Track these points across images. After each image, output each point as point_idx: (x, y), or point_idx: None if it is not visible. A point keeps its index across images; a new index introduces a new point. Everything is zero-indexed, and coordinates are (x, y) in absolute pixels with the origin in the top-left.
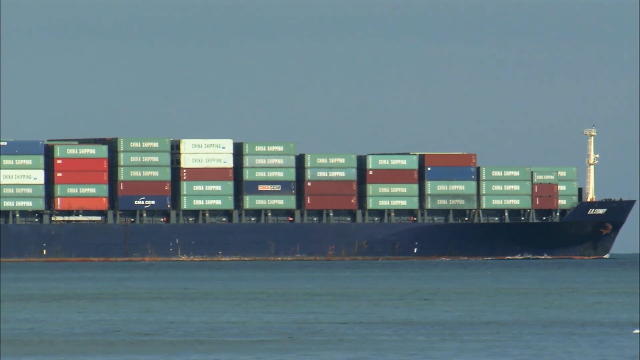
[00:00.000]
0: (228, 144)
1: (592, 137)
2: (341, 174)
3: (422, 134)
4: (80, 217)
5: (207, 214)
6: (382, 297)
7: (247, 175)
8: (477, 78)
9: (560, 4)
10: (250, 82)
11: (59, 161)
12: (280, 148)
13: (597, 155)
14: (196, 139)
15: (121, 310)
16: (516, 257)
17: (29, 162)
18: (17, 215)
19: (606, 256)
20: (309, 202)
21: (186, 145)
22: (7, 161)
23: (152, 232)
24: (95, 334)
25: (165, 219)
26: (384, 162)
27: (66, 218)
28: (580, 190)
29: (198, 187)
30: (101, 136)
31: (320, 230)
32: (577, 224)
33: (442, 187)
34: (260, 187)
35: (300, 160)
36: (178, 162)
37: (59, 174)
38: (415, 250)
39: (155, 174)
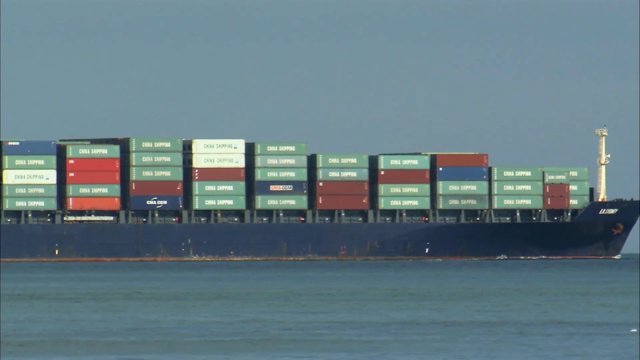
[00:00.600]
0: (240, 144)
1: (604, 137)
2: (353, 174)
3: (434, 134)
4: (92, 217)
5: (219, 214)
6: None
7: (259, 175)
8: (489, 78)
9: (572, 3)
10: (262, 83)
11: (71, 161)
12: (292, 148)
13: (609, 155)
14: (208, 139)
15: (126, 310)
16: (528, 257)
17: (41, 162)
18: (30, 215)
19: (617, 256)
20: (320, 202)
21: (198, 146)
22: (19, 161)
23: (164, 232)
24: (97, 334)
25: (177, 219)
26: (395, 162)
27: (78, 218)
28: (591, 190)
29: (210, 187)
30: (113, 136)
31: (332, 231)
32: (589, 224)
33: (453, 187)
34: (272, 187)
35: (312, 161)
36: (190, 162)
37: (71, 174)
38: (427, 250)
39: (167, 174)
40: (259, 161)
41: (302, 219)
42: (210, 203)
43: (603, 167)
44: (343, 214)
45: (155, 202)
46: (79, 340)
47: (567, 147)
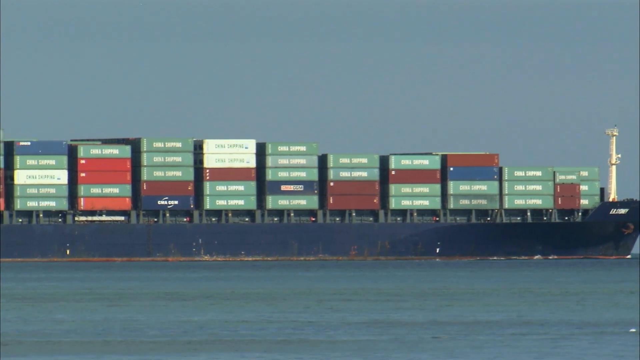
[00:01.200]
0: (251, 144)
1: (614, 137)
2: (364, 174)
3: (445, 134)
4: (104, 217)
5: (230, 214)
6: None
7: (269, 175)
8: (500, 78)
9: (584, 3)
10: (274, 83)
11: (83, 161)
12: (303, 148)
13: (619, 155)
14: (219, 139)
15: (135, 310)
16: (537, 257)
17: (52, 162)
18: (41, 215)
19: (628, 256)
20: (331, 202)
21: (209, 146)
22: (30, 161)
23: (175, 232)
24: (100, 334)
25: (188, 219)
26: (406, 162)
27: (89, 218)
28: (602, 190)
29: (221, 187)
30: (124, 136)
31: (343, 231)
32: (599, 224)
33: (464, 187)
34: (283, 187)
35: (322, 161)
36: (201, 162)
37: (83, 174)
38: (438, 250)
39: (178, 174)
40: (270, 161)
41: (313, 219)
42: (221, 203)
43: (614, 167)
44: (354, 214)
45: (166, 202)
46: (80, 340)
47: (578, 147)
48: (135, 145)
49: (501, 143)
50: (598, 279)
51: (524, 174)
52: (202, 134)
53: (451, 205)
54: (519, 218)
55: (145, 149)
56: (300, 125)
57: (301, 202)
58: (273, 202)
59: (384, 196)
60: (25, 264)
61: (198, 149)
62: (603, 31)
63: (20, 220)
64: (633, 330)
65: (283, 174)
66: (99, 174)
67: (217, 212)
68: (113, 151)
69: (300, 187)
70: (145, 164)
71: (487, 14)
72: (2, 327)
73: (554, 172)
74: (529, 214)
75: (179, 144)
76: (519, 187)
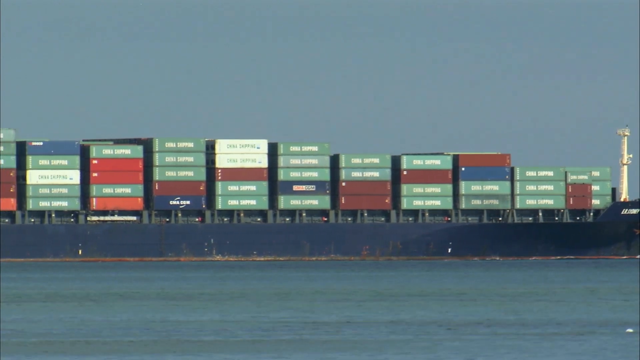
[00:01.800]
0: (263, 144)
1: (626, 137)
2: (375, 174)
3: (456, 134)
4: (116, 217)
5: (242, 214)
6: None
7: (281, 175)
8: (512, 78)
9: (596, 3)
10: (285, 83)
11: (95, 161)
12: (314, 148)
13: (631, 155)
14: (231, 139)
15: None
16: (550, 257)
17: (64, 162)
18: (53, 215)
19: (639, 256)
20: (343, 202)
21: (221, 146)
22: (43, 161)
23: (187, 232)
24: (102, 335)
25: (200, 219)
26: (418, 162)
27: (102, 218)
28: (613, 190)
29: (233, 187)
30: (136, 136)
31: (355, 231)
32: (611, 224)
33: (476, 187)
34: (295, 187)
35: (334, 161)
36: (213, 162)
37: (95, 174)
38: (449, 250)
39: (190, 174)
40: (281, 161)
41: (325, 219)
42: (233, 203)
43: (625, 167)
44: (365, 214)
45: (178, 202)
46: (82, 340)
47: (590, 147)
48: (147, 146)
49: (513, 143)
50: (607, 278)
51: (535, 174)
52: (214, 134)
53: (463, 205)
54: (530, 218)
55: (157, 149)
56: (312, 125)
57: (313, 202)
58: (285, 202)
59: (396, 196)
60: (37, 263)
61: (210, 149)
62: (615, 31)
63: (32, 220)
64: (630, 330)
65: (295, 174)
66: (111, 174)
67: (229, 212)
68: (125, 151)
69: (312, 187)
70: (157, 164)
71: (500, 14)
72: (10, 327)
73: (566, 172)
74: (540, 214)
75: (191, 144)
76: (531, 187)
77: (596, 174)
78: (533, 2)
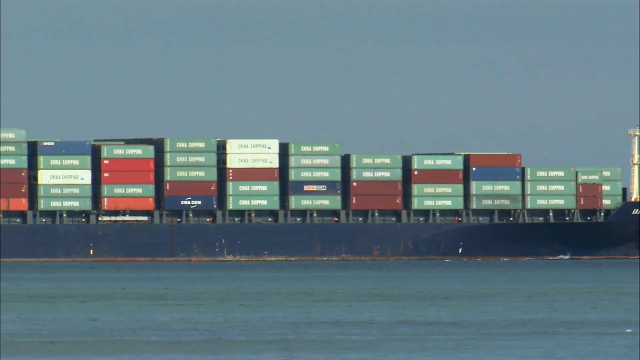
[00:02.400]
0: (274, 144)
1: (636, 137)
2: (386, 174)
3: (467, 134)
4: (127, 217)
5: (253, 214)
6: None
7: (292, 175)
8: (522, 78)
9: (606, 3)
10: (296, 83)
11: (106, 161)
12: (325, 148)
13: None
14: (242, 139)
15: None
16: (560, 257)
17: (76, 162)
18: (64, 215)
19: None
20: (354, 202)
21: (232, 146)
22: (54, 161)
23: (199, 232)
24: (104, 334)
25: (211, 219)
26: (429, 162)
27: (113, 218)
28: (624, 190)
29: (244, 188)
30: (147, 136)
31: (366, 231)
32: (621, 224)
33: (487, 187)
34: (306, 188)
35: (345, 161)
36: (224, 162)
37: (106, 174)
38: (460, 250)
39: (201, 174)
40: (292, 161)
41: (336, 219)
42: (244, 203)
43: (636, 167)
44: (376, 214)
45: (189, 202)
46: (84, 340)
47: (600, 147)
48: (158, 146)
49: (524, 143)
50: (615, 278)
51: (546, 174)
52: (225, 134)
53: (474, 205)
54: (541, 218)
55: (168, 149)
56: (323, 125)
57: (324, 202)
58: (296, 202)
59: (407, 196)
60: (48, 263)
61: (221, 149)
62: (626, 30)
63: (43, 220)
64: (629, 330)
65: (306, 174)
66: (122, 174)
67: (240, 212)
68: (136, 151)
69: (323, 187)
70: (168, 164)
71: (509, 15)
72: (15, 327)
73: (577, 172)
74: (551, 214)
75: (202, 144)
76: (542, 187)
77: (607, 174)
78: (545, 1)
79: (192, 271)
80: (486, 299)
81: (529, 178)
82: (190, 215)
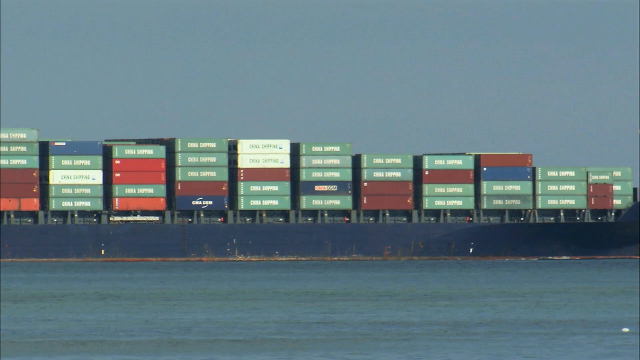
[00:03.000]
0: (285, 145)
1: None
2: (397, 174)
3: (478, 134)
4: (138, 218)
5: (264, 214)
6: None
7: (303, 175)
8: (533, 78)
9: (615, 3)
10: (307, 83)
11: (117, 161)
12: (336, 148)
13: None
14: (253, 140)
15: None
16: (571, 257)
17: (87, 162)
18: (76, 215)
19: None
20: (365, 202)
21: (243, 146)
22: (65, 161)
23: (210, 232)
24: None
25: (222, 219)
26: (439, 162)
27: (124, 218)
28: (635, 190)
29: (255, 188)
30: (159, 137)
31: (376, 231)
32: (632, 224)
33: (497, 187)
34: (317, 188)
35: (356, 161)
36: (235, 162)
37: (117, 175)
38: (471, 250)
39: (212, 174)
40: (304, 161)
41: (347, 219)
42: (255, 203)
43: None
44: (387, 214)
45: (200, 203)
46: (85, 340)
47: (611, 147)
48: (169, 146)
49: (534, 143)
50: (624, 278)
51: (557, 174)
52: (237, 134)
53: (484, 205)
54: (552, 218)
55: (179, 149)
56: (334, 125)
57: (335, 203)
58: (307, 202)
59: (418, 196)
60: (60, 263)
61: (232, 149)
62: (636, 31)
63: (55, 220)
64: (626, 329)
65: (317, 174)
66: (134, 174)
67: (251, 213)
68: (147, 151)
69: (334, 188)
70: (179, 164)
71: (519, 15)
72: (19, 327)
73: (587, 172)
74: (562, 214)
75: (213, 145)
76: (552, 187)
77: (617, 173)
78: (556, 2)
79: (201, 271)
80: (493, 299)
81: (539, 178)
82: (202, 215)
